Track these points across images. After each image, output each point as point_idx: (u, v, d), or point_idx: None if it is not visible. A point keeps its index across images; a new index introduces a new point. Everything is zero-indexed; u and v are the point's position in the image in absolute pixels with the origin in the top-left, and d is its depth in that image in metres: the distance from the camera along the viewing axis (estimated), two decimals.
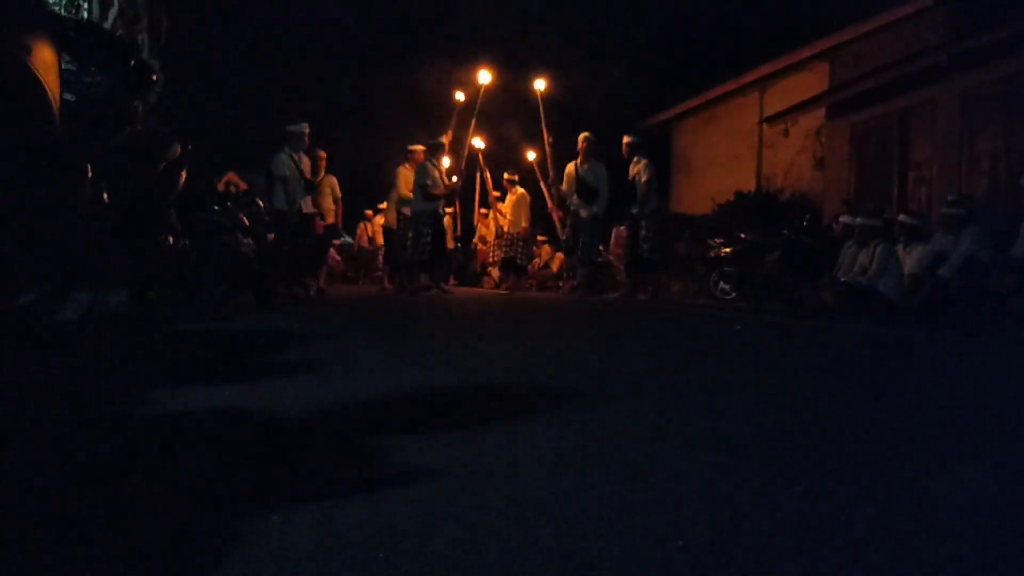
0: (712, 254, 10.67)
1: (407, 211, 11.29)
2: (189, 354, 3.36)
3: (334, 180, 10.63)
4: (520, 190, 13.33)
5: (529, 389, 2.48)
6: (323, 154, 10.32)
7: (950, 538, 1.15)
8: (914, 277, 7.50)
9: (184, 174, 4.52)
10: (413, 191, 10.99)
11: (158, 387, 2.38)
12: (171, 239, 4.51)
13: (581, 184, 10.69)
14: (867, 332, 5.23)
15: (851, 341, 4.72)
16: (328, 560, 1.02)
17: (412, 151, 11.71)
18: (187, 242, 4.51)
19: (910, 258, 7.76)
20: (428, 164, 10.81)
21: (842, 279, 7.89)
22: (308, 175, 9.66)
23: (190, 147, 4.41)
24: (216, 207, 6.00)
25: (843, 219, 8.59)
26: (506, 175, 13.57)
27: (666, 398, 2.37)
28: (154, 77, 4.02)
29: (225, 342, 3.87)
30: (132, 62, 3.95)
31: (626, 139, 10.52)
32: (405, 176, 11.56)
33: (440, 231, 10.82)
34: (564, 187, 11.08)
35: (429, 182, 10.57)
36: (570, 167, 10.92)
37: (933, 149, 10.49)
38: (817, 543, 1.11)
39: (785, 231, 9.51)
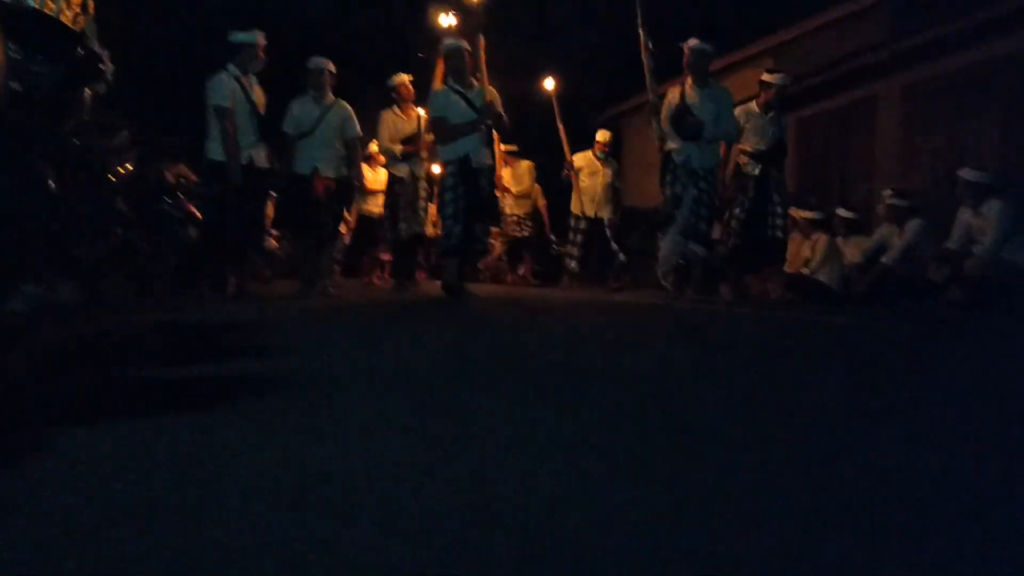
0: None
1: (399, 171, 8.30)
2: (137, 345, 3.35)
3: (350, 111, 7.27)
4: (524, 163, 11.30)
5: (499, 374, 2.54)
6: (332, 67, 7.17)
7: (908, 514, 1.22)
8: (858, 266, 7.77)
9: (133, 165, 4.49)
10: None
11: (100, 376, 2.39)
12: (119, 230, 4.48)
13: (683, 116, 7.08)
14: (811, 320, 5.39)
15: (798, 329, 4.87)
16: (292, 536, 1.07)
17: (397, 86, 8.35)
18: (138, 233, 4.49)
19: (849, 249, 8.07)
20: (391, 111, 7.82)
21: (785, 270, 8.11)
22: (262, 108, 6.64)
23: (140, 138, 4.38)
24: (167, 199, 5.95)
25: None
26: (503, 147, 10.59)
27: (626, 384, 2.45)
28: (103, 66, 4.00)
29: (172, 333, 3.84)
30: (80, 51, 3.92)
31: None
32: (391, 122, 8.29)
33: (472, 190, 6.62)
34: (664, 123, 7.32)
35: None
36: (673, 93, 7.25)
37: (874, 144, 10.78)
38: (777, 521, 1.16)
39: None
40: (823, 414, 2.02)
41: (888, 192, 7.89)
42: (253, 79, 6.56)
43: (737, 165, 7.50)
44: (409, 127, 8.24)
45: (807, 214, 8.24)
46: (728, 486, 1.33)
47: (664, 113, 7.26)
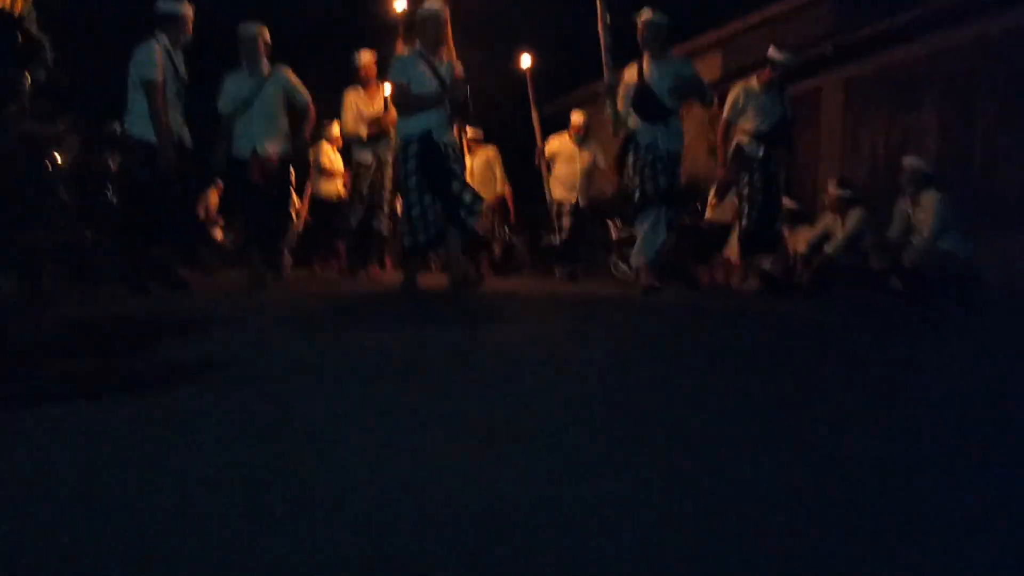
0: (613, 236, 10.90)
1: (363, 158, 7.81)
2: (77, 338, 3.27)
3: (291, 77, 6.50)
4: (489, 149, 10.35)
5: (456, 368, 2.54)
6: (266, 35, 6.42)
7: (843, 493, 1.27)
8: (803, 256, 7.95)
9: (75, 153, 4.38)
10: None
11: (37, 368, 2.34)
12: (62, 220, 4.37)
13: (645, 95, 6.59)
14: (757, 308, 5.49)
15: (742, 316, 4.95)
16: (245, 526, 1.06)
17: (362, 66, 7.82)
18: (82, 224, 4.38)
19: (795, 239, 8.24)
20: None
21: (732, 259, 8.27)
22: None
23: (83, 125, 4.26)
24: (110, 188, 5.80)
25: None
26: (469, 132, 9.70)
27: (593, 379, 2.47)
28: (43, 52, 3.88)
29: (114, 326, 3.75)
30: (18, 35, 3.80)
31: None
32: (355, 104, 7.73)
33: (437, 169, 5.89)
34: (620, 104, 6.83)
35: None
36: (631, 72, 6.77)
37: (818, 135, 11.01)
38: (717, 502, 1.20)
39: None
40: (755, 397, 2.06)
41: (832, 183, 8.08)
42: (180, 54, 5.86)
43: (738, 145, 7.13)
44: (374, 109, 7.70)
45: None
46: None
47: (622, 92, 6.78)
